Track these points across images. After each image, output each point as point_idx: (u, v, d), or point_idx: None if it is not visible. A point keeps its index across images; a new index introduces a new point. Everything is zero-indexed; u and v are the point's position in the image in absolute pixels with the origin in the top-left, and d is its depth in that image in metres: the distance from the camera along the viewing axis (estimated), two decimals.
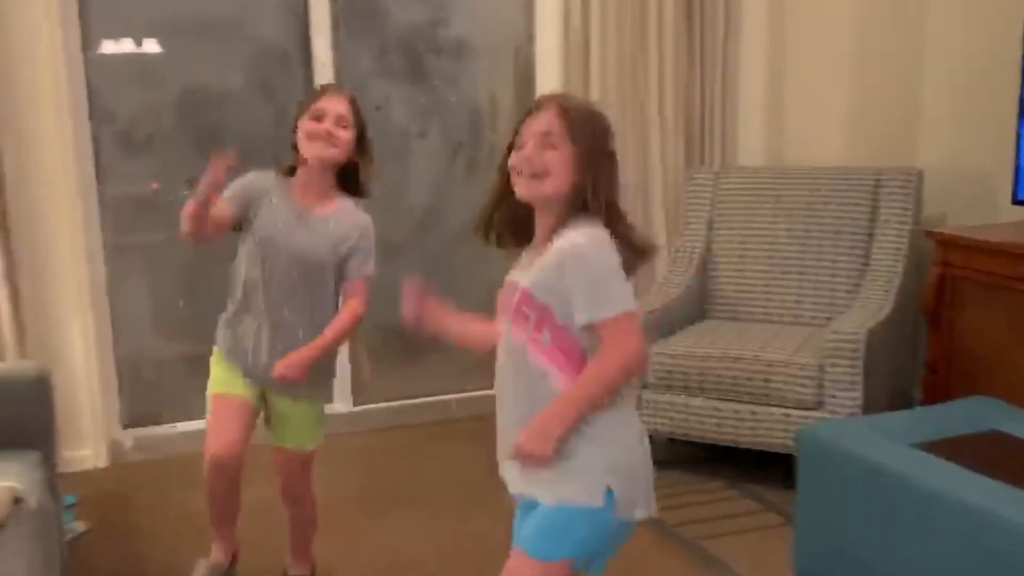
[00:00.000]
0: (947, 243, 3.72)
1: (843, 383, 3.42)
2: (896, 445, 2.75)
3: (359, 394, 4.33)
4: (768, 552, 3.17)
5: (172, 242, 4.14)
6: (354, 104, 2.67)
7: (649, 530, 3.32)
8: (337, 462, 3.92)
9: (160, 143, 4.11)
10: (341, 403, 4.22)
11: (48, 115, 3.69)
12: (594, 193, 1.89)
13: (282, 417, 2.78)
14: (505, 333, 1.96)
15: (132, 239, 4.10)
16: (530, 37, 4.42)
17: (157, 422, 4.15)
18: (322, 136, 2.58)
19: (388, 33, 4.33)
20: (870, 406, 3.45)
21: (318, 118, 2.59)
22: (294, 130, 2.65)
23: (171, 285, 4.25)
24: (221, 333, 2.76)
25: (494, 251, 2.07)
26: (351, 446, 4.06)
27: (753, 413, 3.57)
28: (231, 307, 2.74)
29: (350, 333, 2.76)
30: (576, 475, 1.90)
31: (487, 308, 2.08)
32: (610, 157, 1.95)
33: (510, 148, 1.96)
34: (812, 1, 4.42)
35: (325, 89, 2.74)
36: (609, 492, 1.89)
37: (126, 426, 4.07)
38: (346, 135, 2.61)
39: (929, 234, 3.81)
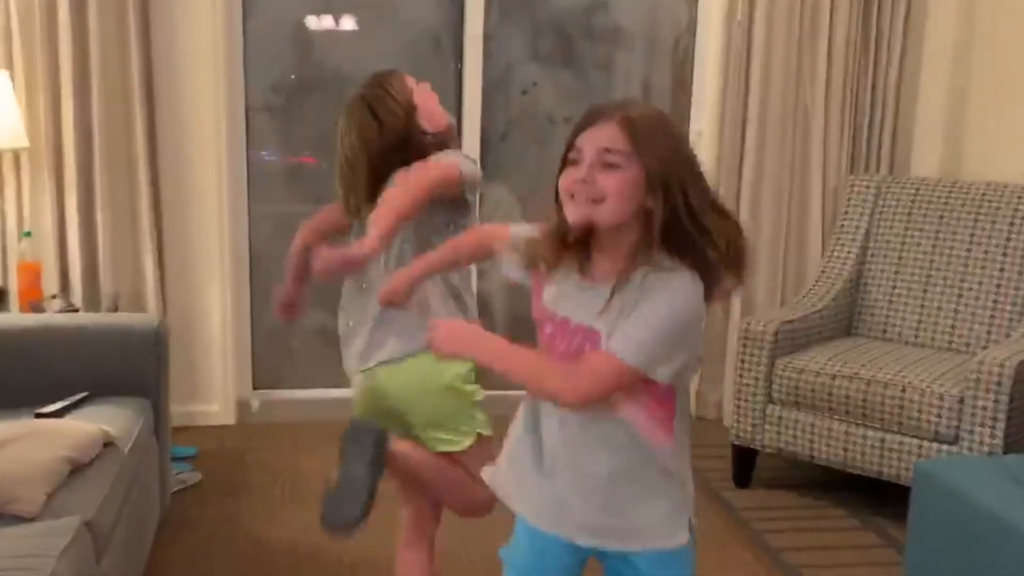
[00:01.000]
0: None
1: (984, 418, 3.10)
2: (1019, 489, 2.47)
3: (482, 379, 4.28)
4: None
5: (312, 213, 4.27)
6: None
7: (750, 552, 3.15)
8: None
9: (308, 117, 4.20)
10: None
11: (204, 82, 3.83)
12: (674, 222, 1.57)
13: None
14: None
15: (275, 208, 4.22)
16: (691, 27, 4.26)
17: (285, 386, 4.26)
18: None
19: (541, 18, 4.28)
20: (1014, 445, 3.12)
21: None
22: None
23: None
24: None
25: None
26: None
27: (883, 441, 3.30)
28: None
29: None
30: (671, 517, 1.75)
31: None
32: (695, 177, 1.60)
33: (563, 165, 1.63)
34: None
35: None
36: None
37: (256, 387, 4.19)
38: (436, 107, 2.46)
39: None
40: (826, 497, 3.57)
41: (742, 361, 3.55)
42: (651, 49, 4.40)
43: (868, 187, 3.96)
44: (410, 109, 2.34)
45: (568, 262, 1.67)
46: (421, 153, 2.31)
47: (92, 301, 3.74)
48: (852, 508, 3.49)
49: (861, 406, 3.32)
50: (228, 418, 4.05)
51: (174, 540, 3.08)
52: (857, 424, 3.36)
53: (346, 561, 2.98)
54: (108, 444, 2.61)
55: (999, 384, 3.07)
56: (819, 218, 4.16)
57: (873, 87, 4.13)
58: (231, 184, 3.93)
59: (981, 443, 3.11)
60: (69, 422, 2.70)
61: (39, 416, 2.74)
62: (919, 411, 3.22)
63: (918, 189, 3.87)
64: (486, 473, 1.87)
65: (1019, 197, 3.65)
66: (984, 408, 3.10)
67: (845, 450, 3.38)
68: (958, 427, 3.16)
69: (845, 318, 3.86)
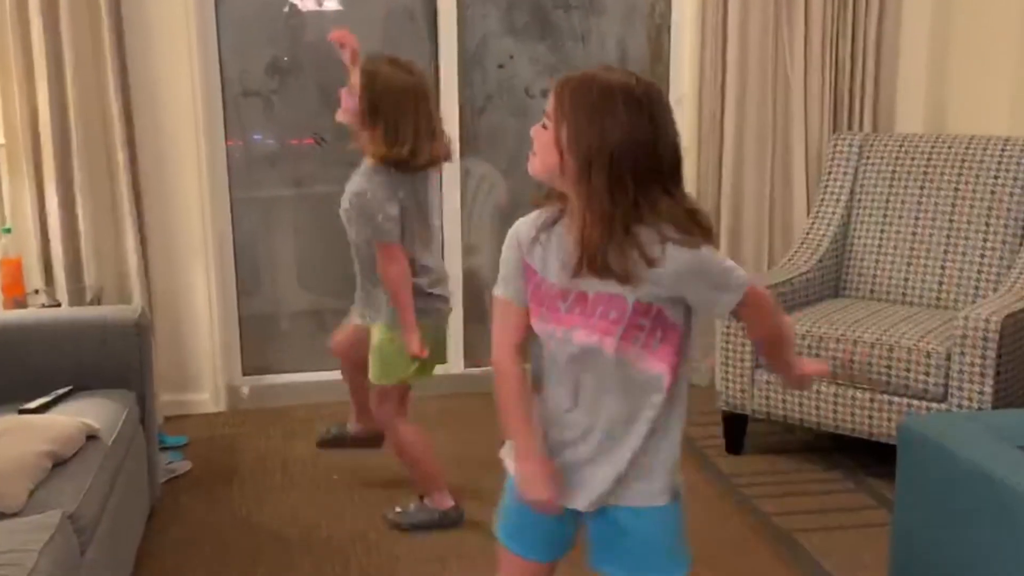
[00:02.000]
0: None
1: (971, 374, 3.09)
2: (1004, 446, 2.45)
3: (471, 355, 4.29)
4: (866, 551, 2.91)
5: (296, 197, 4.27)
6: (367, 73, 2.80)
7: (742, 517, 3.14)
8: (438, 423, 3.92)
9: (286, 98, 4.18)
10: (453, 364, 4.19)
11: (179, 68, 3.80)
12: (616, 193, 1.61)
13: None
14: (594, 348, 1.69)
15: (258, 193, 4.20)
16: None
17: (275, 372, 4.25)
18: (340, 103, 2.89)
19: None
20: (1004, 402, 3.11)
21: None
22: None
23: (294, 239, 4.35)
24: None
25: None
26: (457, 407, 4.03)
27: (872, 401, 3.29)
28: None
29: (396, 296, 2.89)
30: (662, 472, 1.77)
31: None
32: (625, 153, 1.60)
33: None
34: None
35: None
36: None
37: (245, 373, 4.19)
38: (351, 102, 2.84)
39: None
40: (819, 460, 3.56)
41: (728, 327, 3.53)
42: (627, 17, 4.36)
43: (851, 145, 3.93)
44: None
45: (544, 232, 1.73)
46: None
47: (76, 294, 3.71)
48: (845, 470, 3.48)
49: (849, 367, 3.30)
50: (219, 406, 4.04)
51: (165, 529, 3.08)
52: (846, 385, 3.34)
53: (336, 545, 2.98)
54: (91, 437, 2.61)
55: (986, 340, 3.05)
56: (803, 178, 4.13)
57: (853, 45, 4.09)
58: (211, 170, 3.90)
59: (970, 400, 3.09)
60: (51, 417, 2.70)
61: (23, 412, 2.74)
62: (907, 370, 3.20)
63: (901, 145, 3.84)
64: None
65: (1003, 150, 3.62)
66: (972, 364, 3.08)
67: (835, 412, 3.37)
68: (946, 385, 3.14)
69: (832, 279, 3.84)
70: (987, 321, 3.05)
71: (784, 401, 3.46)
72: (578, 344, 1.70)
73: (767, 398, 3.50)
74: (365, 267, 2.96)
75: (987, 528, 2.33)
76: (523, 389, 1.79)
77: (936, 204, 3.69)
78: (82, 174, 3.70)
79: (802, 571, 2.83)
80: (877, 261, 3.79)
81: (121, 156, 3.72)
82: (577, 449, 1.77)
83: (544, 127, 1.67)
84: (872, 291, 3.79)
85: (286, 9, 4.16)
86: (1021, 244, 3.50)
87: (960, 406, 3.11)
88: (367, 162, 2.85)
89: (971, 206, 3.62)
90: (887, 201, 3.79)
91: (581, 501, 1.78)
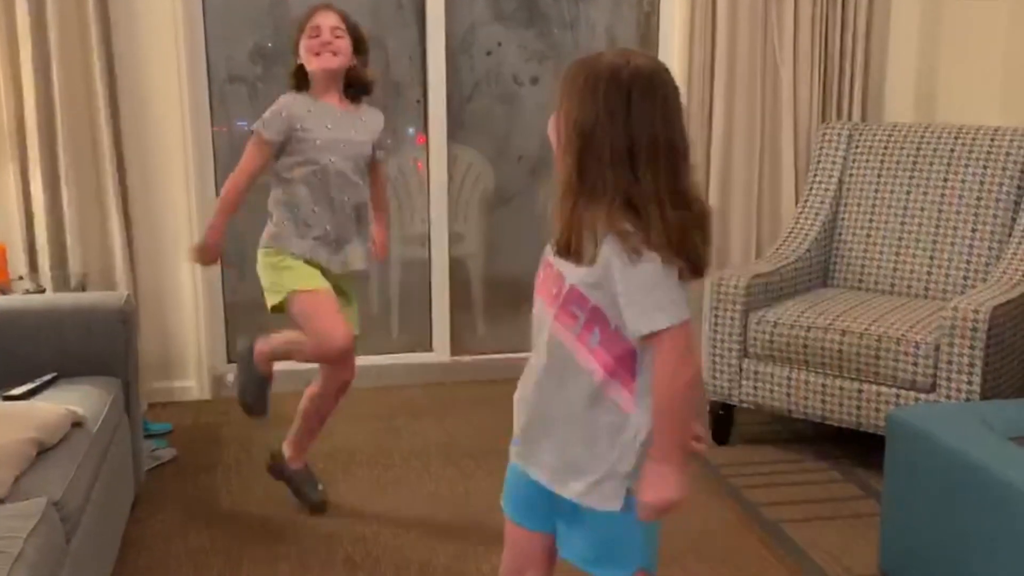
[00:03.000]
0: None
1: (960, 365, 3.09)
2: (991, 436, 2.46)
3: (457, 344, 4.27)
4: (855, 542, 2.91)
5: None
6: (343, 14, 2.89)
7: (729, 507, 3.14)
8: (425, 411, 3.90)
9: (271, 84, 4.15)
10: (439, 353, 4.18)
11: (165, 55, 3.77)
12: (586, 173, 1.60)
13: (348, 302, 3.03)
14: (544, 319, 1.70)
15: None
16: None
17: None
18: (324, 48, 2.83)
19: None
20: (992, 392, 3.11)
21: (315, 35, 2.83)
22: (295, 53, 2.90)
23: None
24: (293, 242, 2.91)
25: None
26: (443, 396, 4.01)
27: (860, 392, 3.29)
28: (291, 218, 2.92)
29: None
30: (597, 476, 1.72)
31: None
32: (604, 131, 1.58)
33: None
34: None
35: (315, 8, 2.91)
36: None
37: (231, 361, 4.15)
38: (343, 43, 2.85)
39: None
40: (806, 451, 3.56)
41: (715, 316, 3.52)
42: (616, 4, 4.34)
43: (840, 134, 3.93)
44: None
45: None
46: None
47: (60, 281, 3.68)
48: (833, 461, 3.48)
49: (837, 357, 3.30)
50: (204, 393, 4.02)
51: (149, 517, 3.06)
52: (834, 376, 3.34)
53: (322, 533, 2.96)
54: (76, 424, 2.59)
55: (974, 330, 3.05)
56: (792, 168, 4.13)
57: (842, 33, 4.09)
58: (197, 156, 3.87)
59: (958, 390, 3.10)
60: (35, 404, 2.67)
61: (7, 399, 2.71)
62: (895, 360, 3.20)
63: (890, 135, 3.84)
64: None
65: (992, 139, 3.62)
66: (960, 355, 3.08)
67: (823, 402, 3.37)
68: (935, 375, 3.15)
69: (820, 269, 3.84)
70: (976, 311, 3.05)
71: (772, 391, 3.46)
72: (536, 312, 1.72)
73: (755, 388, 3.50)
74: (366, 191, 3.02)
75: (976, 518, 2.33)
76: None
77: (925, 194, 3.69)
78: (67, 160, 3.67)
79: (790, 562, 2.82)
80: (866, 251, 3.78)
81: (106, 142, 3.70)
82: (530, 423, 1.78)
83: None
84: (860, 281, 3.79)
85: None
86: (1010, 234, 3.51)
87: (948, 397, 3.11)
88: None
89: (960, 196, 3.62)
90: (876, 191, 3.79)
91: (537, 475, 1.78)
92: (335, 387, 3.02)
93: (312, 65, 2.85)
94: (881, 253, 3.75)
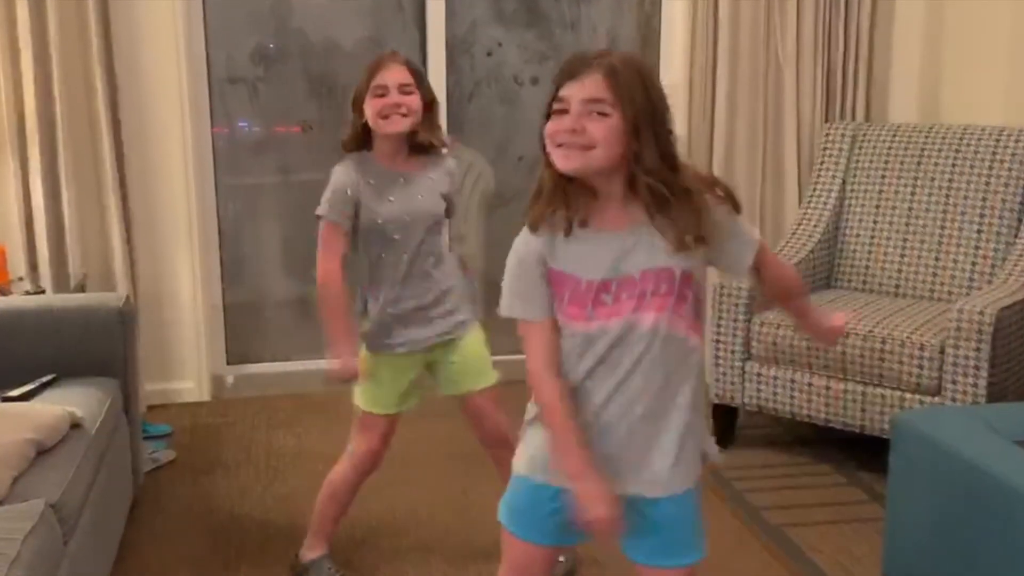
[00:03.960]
0: None
1: (965, 368, 3.06)
2: (996, 439, 2.43)
3: None
4: (858, 546, 2.89)
5: (282, 184, 4.23)
6: (410, 65, 2.59)
7: (732, 511, 3.12)
8: (423, 412, 3.87)
9: (272, 85, 4.15)
10: None
11: (165, 56, 3.77)
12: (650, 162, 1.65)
13: (461, 360, 2.70)
14: (644, 326, 1.67)
15: (244, 181, 4.17)
16: None
17: (260, 360, 4.22)
18: (393, 110, 2.52)
19: None
20: (998, 395, 3.09)
21: (382, 94, 2.52)
22: (357, 107, 2.56)
23: (280, 227, 4.31)
24: (378, 339, 2.63)
25: None
26: (441, 396, 3.99)
27: (864, 395, 3.26)
28: (376, 305, 2.62)
29: None
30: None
31: None
32: (665, 120, 1.67)
33: (548, 115, 1.67)
34: None
35: (380, 60, 2.60)
36: None
37: (230, 362, 4.15)
38: (414, 100, 2.54)
39: None
40: (809, 454, 3.54)
41: (719, 319, 3.50)
42: (617, 4, 4.33)
43: (844, 135, 3.91)
44: None
45: (558, 219, 1.69)
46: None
47: (60, 281, 3.67)
48: (836, 464, 3.45)
49: (840, 360, 3.28)
50: (203, 395, 4.00)
51: (147, 519, 3.05)
52: (837, 378, 3.32)
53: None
54: (75, 426, 2.58)
55: (980, 332, 3.03)
56: (795, 169, 4.11)
57: (846, 33, 4.06)
58: (197, 157, 3.87)
59: (964, 393, 3.07)
60: (34, 405, 2.67)
61: (6, 400, 2.70)
62: (900, 363, 3.18)
63: (894, 135, 3.82)
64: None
65: (997, 140, 3.60)
66: (966, 357, 3.06)
67: (826, 405, 3.34)
68: (940, 378, 3.12)
69: (825, 270, 3.82)
70: (981, 314, 3.03)
71: (775, 394, 3.44)
72: (642, 329, 1.67)
73: (758, 390, 3.47)
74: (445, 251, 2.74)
75: (980, 523, 2.31)
76: (569, 406, 1.71)
77: (930, 195, 3.67)
78: (67, 161, 3.65)
79: (793, 566, 2.80)
80: (870, 252, 3.76)
81: (106, 143, 3.68)
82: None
83: (601, 114, 1.62)
84: (865, 283, 3.77)
85: None
86: (1016, 236, 3.48)
87: (954, 400, 3.09)
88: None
89: (965, 197, 3.60)
90: (880, 192, 3.77)
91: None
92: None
93: (381, 129, 2.54)
94: (885, 254, 3.72)
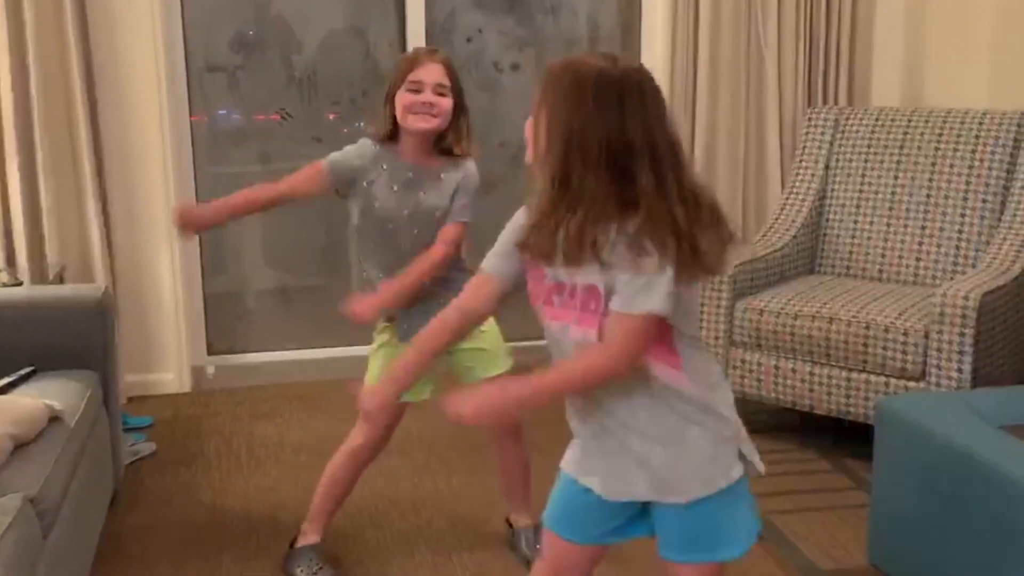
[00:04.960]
0: None
1: (950, 352, 3.06)
2: (982, 425, 2.43)
3: None
4: (844, 533, 2.88)
5: (263, 173, 4.20)
6: (449, 66, 2.54)
7: None
8: (411, 404, 3.85)
9: (251, 73, 4.11)
10: None
11: (143, 44, 3.73)
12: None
13: (474, 348, 2.63)
14: (573, 337, 1.67)
15: (223, 170, 4.13)
16: None
17: (241, 351, 4.20)
18: (423, 109, 2.49)
19: None
20: (983, 380, 3.09)
21: (416, 90, 2.49)
22: (389, 98, 2.54)
23: (261, 217, 4.27)
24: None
25: None
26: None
27: (848, 380, 3.26)
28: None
29: (427, 273, 2.60)
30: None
31: None
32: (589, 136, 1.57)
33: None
34: None
35: (419, 56, 2.57)
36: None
37: (211, 353, 4.12)
38: (446, 102, 2.50)
39: None
40: (794, 441, 3.53)
41: (701, 305, 3.49)
42: None
43: (826, 119, 3.90)
44: None
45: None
46: None
47: (38, 273, 3.64)
48: (821, 451, 3.44)
49: (824, 346, 3.27)
50: (184, 386, 3.98)
51: (128, 512, 3.02)
52: (821, 364, 3.32)
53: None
54: (54, 419, 2.54)
55: (963, 317, 3.02)
56: (777, 154, 4.11)
57: (828, 16, 4.06)
58: (175, 146, 3.84)
59: (948, 378, 3.07)
60: (12, 398, 2.63)
61: None
62: (884, 348, 3.17)
63: (877, 119, 3.81)
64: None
65: (981, 123, 3.59)
66: (950, 342, 3.06)
67: (811, 391, 3.34)
68: (924, 363, 3.12)
69: (808, 255, 3.81)
70: (965, 298, 3.03)
71: (759, 380, 3.43)
72: (572, 340, 1.66)
73: (741, 377, 3.47)
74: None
75: (966, 508, 2.31)
76: (433, 342, 1.83)
77: (913, 179, 3.66)
78: (44, 151, 3.61)
79: (778, 553, 2.79)
80: (853, 237, 3.76)
81: (84, 133, 3.64)
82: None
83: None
84: (848, 268, 3.76)
85: None
86: (1000, 220, 3.48)
87: (938, 385, 3.09)
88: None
89: (949, 181, 3.59)
90: (863, 176, 3.77)
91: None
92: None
93: (407, 123, 2.51)
94: (869, 239, 3.72)
